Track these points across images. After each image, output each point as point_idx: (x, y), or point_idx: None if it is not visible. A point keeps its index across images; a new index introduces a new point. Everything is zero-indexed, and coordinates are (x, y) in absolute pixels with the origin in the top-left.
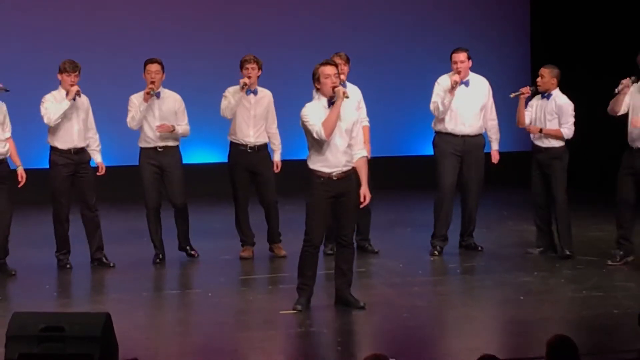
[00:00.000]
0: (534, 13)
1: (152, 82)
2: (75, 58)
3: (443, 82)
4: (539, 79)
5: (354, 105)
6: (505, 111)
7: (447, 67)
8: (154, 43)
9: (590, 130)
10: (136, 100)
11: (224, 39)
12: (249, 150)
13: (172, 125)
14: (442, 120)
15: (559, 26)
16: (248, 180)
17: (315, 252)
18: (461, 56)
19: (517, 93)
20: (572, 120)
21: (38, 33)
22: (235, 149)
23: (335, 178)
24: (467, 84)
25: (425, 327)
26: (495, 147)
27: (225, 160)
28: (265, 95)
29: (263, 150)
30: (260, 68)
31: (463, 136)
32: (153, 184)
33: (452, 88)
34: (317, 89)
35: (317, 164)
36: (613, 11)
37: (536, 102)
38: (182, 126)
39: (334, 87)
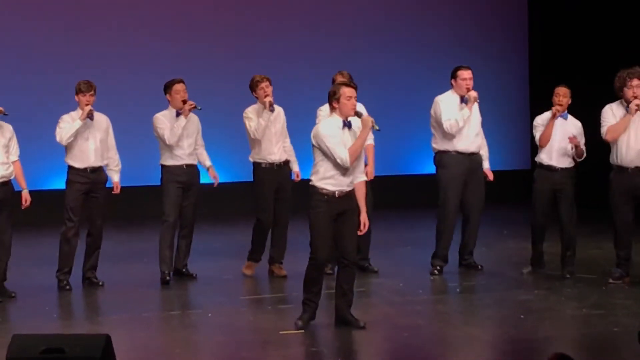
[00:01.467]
0: (532, 27)
1: (185, 100)
2: (92, 77)
3: (447, 99)
4: (561, 98)
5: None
6: (502, 128)
7: (444, 84)
8: (170, 63)
9: (589, 147)
10: (163, 117)
11: (238, 58)
12: (275, 168)
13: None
14: (449, 139)
15: (556, 40)
16: (273, 197)
17: (321, 268)
18: (469, 73)
19: (556, 111)
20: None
21: (60, 55)
22: (260, 168)
23: (337, 196)
24: (467, 101)
25: (425, 346)
26: (487, 165)
27: (222, 180)
28: (279, 111)
29: (286, 166)
30: (271, 84)
31: (469, 154)
32: (176, 200)
33: (473, 103)
34: (334, 108)
35: (322, 182)
36: (611, 22)
37: (545, 121)
38: (205, 154)
39: (356, 112)
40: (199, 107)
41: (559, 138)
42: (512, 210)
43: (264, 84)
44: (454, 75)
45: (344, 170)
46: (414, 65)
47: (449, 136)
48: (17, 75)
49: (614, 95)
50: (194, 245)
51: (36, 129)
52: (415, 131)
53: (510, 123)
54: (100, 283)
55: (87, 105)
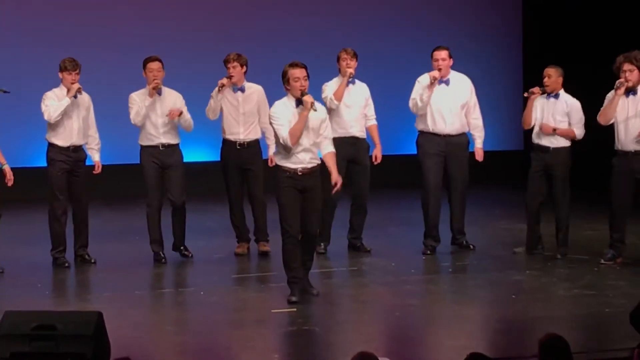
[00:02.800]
0: (526, 7)
1: (156, 79)
2: (75, 56)
3: (423, 80)
4: (546, 79)
5: (361, 102)
6: (496, 110)
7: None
8: (150, 42)
9: (587, 130)
10: (137, 97)
11: (220, 38)
12: (239, 147)
13: (179, 109)
14: (424, 119)
15: (551, 25)
16: (240, 176)
17: (295, 243)
18: (442, 54)
19: (529, 93)
20: (583, 119)
21: (36, 31)
22: (226, 146)
23: (300, 173)
24: (447, 82)
25: (417, 325)
26: (479, 145)
27: (216, 158)
28: (254, 91)
29: (253, 146)
30: (243, 65)
31: (445, 135)
32: (156, 182)
33: (431, 84)
34: (287, 89)
35: (283, 161)
36: (605, 9)
37: (541, 102)
38: (187, 117)
39: (302, 91)
40: (7, 91)
41: (545, 117)
42: (505, 190)
43: (232, 64)
44: (431, 56)
45: (298, 148)
46: (402, 45)
47: (422, 116)
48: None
49: (614, 78)
50: (187, 223)
51: (19, 106)
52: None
53: (504, 104)
54: (93, 260)
55: (73, 83)
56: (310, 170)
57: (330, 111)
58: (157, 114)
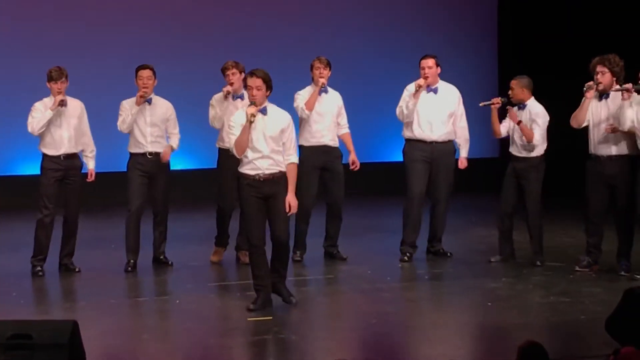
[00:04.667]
0: (501, 15)
1: (145, 87)
2: (66, 63)
3: (411, 88)
4: (510, 92)
5: (333, 110)
6: (475, 118)
7: (418, 73)
8: (144, 49)
9: (558, 135)
10: (127, 105)
11: (211, 45)
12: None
13: (170, 146)
14: (411, 127)
15: (526, 29)
16: (235, 184)
17: (259, 251)
18: (429, 62)
19: (487, 103)
20: (542, 127)
21: (30, 39)
22: (224, 155)
23: (261, 179)
24: (435, 91)
25: (394, 333)
26: (463, 154)
27: (193, 167)
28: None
29: None
30: (241, 72)
31: (431, 142)
32: (139, 189)
33: (416, 91)
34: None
35: (243, 167)
36: (580, 17)
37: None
38: (175, 140)
39: (251, 101)
40: None
41: (515, 127)
42: (481, 198)
43: (230, 72)
44: (419, 64)
45: (258, 154)
46: (385, 54)
47: (409, 124)
48: None
49: (580, 87)
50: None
51: (8, 115)
52: (386, 119)
53: (480, 111)
54: (77, 269)
55: (59, 93)
56: (270, 176)
57: (302, 120)
58: (145, 122)
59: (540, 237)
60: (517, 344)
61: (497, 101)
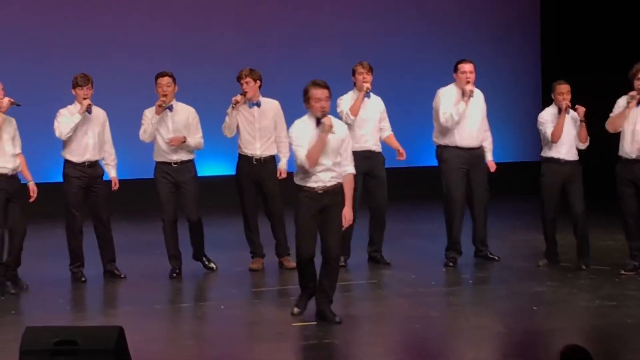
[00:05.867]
0: (544, 16)
1: (164, 95)
2: (90, 70)
3: (447, 93)
4: (565, 97)
5: (376, 115)
6: (513, 121)
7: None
8: (167, 56)
9: (602, 138)
10: (149, 113)
11: (237, 50)
12: (255, 162)
13: (184, 136)
14: (449, 133)
15: (569, 30)
16: (254, 191)
17: (308, 264)
18: (470, 67)
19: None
20: None
21: (52, 45)
22: (242, 161)
23: (320, 192)
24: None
25: (437, 337)
26: (490, 157)
27: (233, 172)
28: (270, 106)
29: (270, 162)
30: (256, 80)
31: (469, 149)
32: (169, 197)
33: (468, 97)
34: (307, 108)
35: (302, 180)
36: (626, 12)
37: (553, 117)
38: (195, 139)
39: (323, 113)
40: (19, 104)
41: (566, 132)
42: (524, 201)
43: (245, 80)
44: (455, 69)
45: (320, 167)
46: (427, 54)
47: (447, 130)
48: (16, 68)
49: (628, 84)
50: (206, 236)
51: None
52: (428, 123)
53: (522, 114)
54: (122, 275)
55: (85, 99)
56: (330, 188)
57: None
58: (168, 130)
59: (588, 241)
60: (560, 348)
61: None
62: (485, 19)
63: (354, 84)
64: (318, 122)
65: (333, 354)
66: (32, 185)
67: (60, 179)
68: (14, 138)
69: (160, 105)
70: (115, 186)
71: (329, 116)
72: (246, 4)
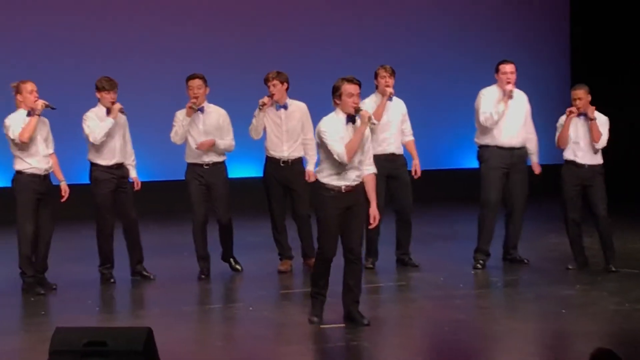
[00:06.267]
0: (573, 18)
1: (195, 97)
2: (117, 73)
3: (489, 93)
4: (577, 102)
5: (398, 117)
6: (544, 125)
7: (485, 76)
8: (195, 57)
9: (629, 141)
10: (180, 115)
11: (267, 52)
12: (282, 165)
13: (213, 139)
14: (490, 133)
15: (598, 32)
16: (282, 193)
17: (328, 264)
18: (510, 67)
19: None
20: (607, 131)
21: (78, 49)
22: (270, 163)
23: (344, 191)
24: (511, 95)
25: (466, 340)
26: (535, 159)
27: (260, 174)
28: (297, 108)
29: (297, 164)
30: (283, 82)
31: (510, 148)
32: (200, 198)
33: (508, 98)
34: (336, 104)
35: (328, 178)
36: None
37: (574, 122)
38: (225, 141)
39: (355, 108)
40: (53, 107)
41: (582, 135)
42: (554, 204)
43: (271, 82)
44: (496, 69)
45: (348, 165)
46: (455, 56)
47: (488, 130)
48: (46, 70)
49: None
50: (235, 238)
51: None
52: (456, 124)
53: (553, 116)
54: (152, 276)
55: (112, 103)
56: (353, 187)
57: None
58: (199, 131)
59: (612, 243)
60: (590, 352)
61: (575, 110)
62: (514, 23)
63: (376, 87)
64: (348, 118)
65: (361, 356)
66: (64, 186)
67: (85, 181)
68: (47, 139)
69: (191, 107)
70: (137, 186)
71: (365, 110)
72: (271, 6)
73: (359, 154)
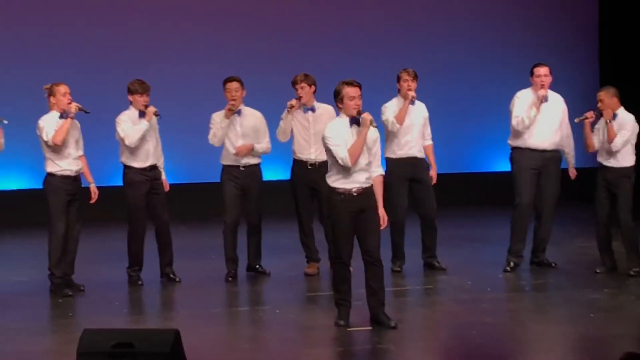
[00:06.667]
0: (602, 21)
1: (234, 100)
2: (151, 77)
3: (523, 96)
4: (599, 104)
5: (420, 121)
6: (573, 126)
7: (515, 82)
8: (227, 61)
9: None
10: (217, 117)
11: (293, 55)
12: (310, 167)
13: (252, 144)
14: (521, 135)
15: (627, 35)
16: (309, 196)
17: (346, 268)
18: (545, 70)
19: (581, 118)
20: (628, 134)
21: (106, 51)
22: (297, 165)
23: (355, 194)
24: (546, 99)
25: (494, 344)
26: (572, 163)
27: (288, 177)
28: (325, 111)
29: (324, 167)
30: (311, 85)
31: (542, 151)
32: (234, 200)
33: (540, 102)
34: (339, 108)
35: (337, 182)
36: None
37: (602, 124)
38: (262, 144)
39: (357, 111)
40: (87, 111)
41: (604, 139)
42: (581, 208)
43: (299, 85)
44: (531, 72)
45: (356, 168)
46: (479, 60)
47: (520, 133)
48: (78, 73)
49: None
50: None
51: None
52: (483, 128)
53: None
54: (178, 279)
55: (145, 105)
56: (364, 190)
57: (389, 133)
58: (237, 134)
59: (636, 247)
60: (619, 356)
61: (591, 115)
62: (541, 26)
63: (398, 91)
64: (352, 121)
65: (388, 359)
66: (93, 188)
67: (114, 183)
68: (77, 141)
69: (230, 109)
70: (166, 188)
71: (367, 112)
72: (296, 9)
73: (366, 156)
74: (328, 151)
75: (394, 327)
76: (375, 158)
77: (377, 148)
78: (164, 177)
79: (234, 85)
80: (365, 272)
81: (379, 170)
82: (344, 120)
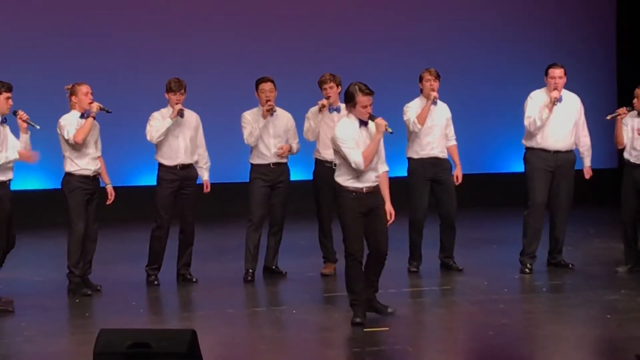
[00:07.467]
0: (620, 21)
1: (268, 100)
2: (183, 77)
3: (536, 97)
4: (635, 100)
5: (442, 122)
6: (592, 129)
7: (532, 83)
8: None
9: None
10: (249, 117)
11: (313, 57)
12: (334, 167)
13: (289, 145)
14: (534, 136)
15: None
16: (331, 197)
17: (359, 266)
18: (559, 72)
19: (613, 115)
20: None
21: (148, 51)
22: (320, 166)
23: (365, 192)
24: (560, 99)
25: (510, 345)
26: (587, 163)
27: (308, 177)
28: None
29: None
30: (338, 84)
31: (555, 152)
32: (262, 199)
33: (552, 104)
34: (350, 109)
35: (348, 181)
36: None
37: (631, 120)
38: (295, 144)
39: (370, 117)
40: (109, 111)
41: (633, 136)
42: (598, 209)
43: (328, 85)
44: (546, 73)
45: (368, 168)
46: (499, 60)
47: (533, 133)
48: (106, 72)
49: None
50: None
51: (125, 126)
52: (500, 129)
53: (597, 120)
54: (194, 280)
55: (177, 104)
56: (374, 188)
57: (411, 133)
58: (269, 134)
59: None
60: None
61: (623, 111)
62: (560, 26)
63: (421, 91)
64: (361, 122)
65: None
66: (110, 188)
67: (139, 183)
68: (96, 141)
69: (268, 110)
70: (207, 189)
71: (380, 117)
72: (315, 10)
73: (375, 157)
74: (338, 152)
75: (392, 313)
76: (381, 155)
77: (381, 145)
78: (206, 178)
79: (268, 85)
80: (367, 266)
81: (383, 167)
82: (354, 121)
